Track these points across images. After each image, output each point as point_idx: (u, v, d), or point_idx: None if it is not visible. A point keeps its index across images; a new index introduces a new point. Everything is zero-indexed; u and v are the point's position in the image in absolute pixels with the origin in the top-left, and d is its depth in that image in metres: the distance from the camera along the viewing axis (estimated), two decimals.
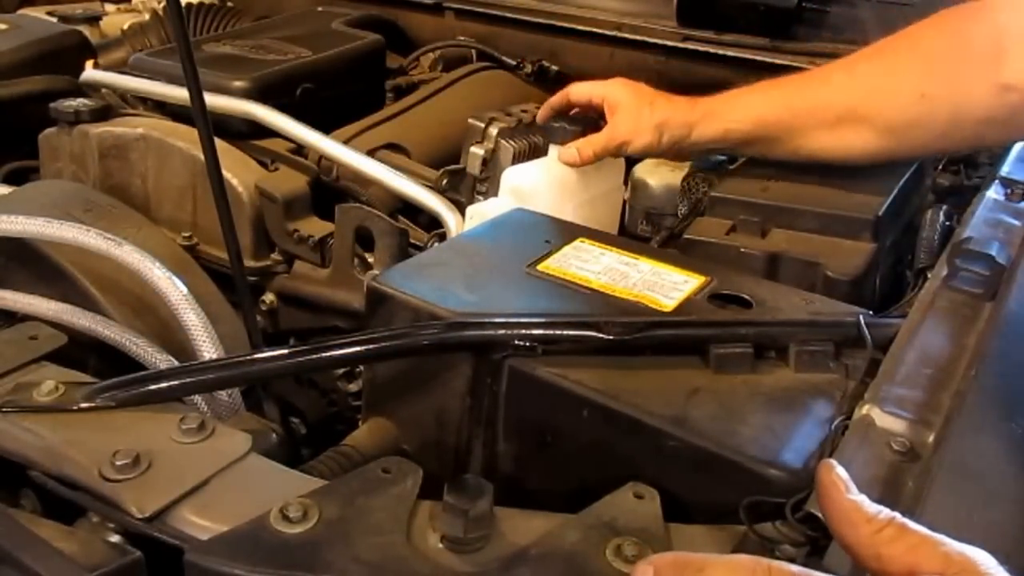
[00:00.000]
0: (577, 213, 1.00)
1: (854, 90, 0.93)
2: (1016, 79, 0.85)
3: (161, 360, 0.82)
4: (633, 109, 1.02)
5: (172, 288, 0.85)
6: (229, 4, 1.74)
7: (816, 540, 0.52)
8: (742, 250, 0.89)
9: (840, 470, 0.47)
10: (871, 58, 0.95)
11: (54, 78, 1.31)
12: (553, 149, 1.04)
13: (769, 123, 0.97)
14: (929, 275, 0.80)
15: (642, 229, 1.14)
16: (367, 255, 1.08)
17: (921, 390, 0.62)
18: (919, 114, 0.90)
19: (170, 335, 0.88)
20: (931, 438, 0.58)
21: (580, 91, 1.07)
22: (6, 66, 1.32)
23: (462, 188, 1.20)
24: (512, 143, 1.19)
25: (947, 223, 0.95)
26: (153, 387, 0.65)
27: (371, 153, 1.18)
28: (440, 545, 0.52)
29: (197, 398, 0.78)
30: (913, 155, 1.00)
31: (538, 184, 1.01)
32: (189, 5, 1.64)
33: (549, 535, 0.52)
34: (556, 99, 1.10)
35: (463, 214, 1.05)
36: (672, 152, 1.05)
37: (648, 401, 0.62)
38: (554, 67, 1.54)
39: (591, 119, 1.06)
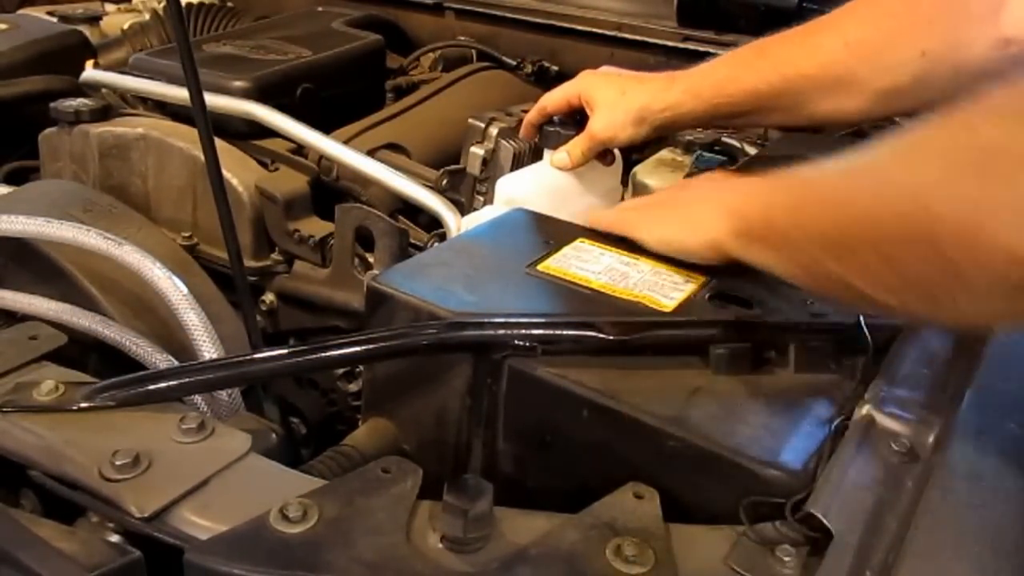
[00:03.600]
0: (575, 217, 1.00)
1: (850, 54, 0.91)
2: (1015, 32, 0.83)
3: (161, 360, 0.82)
4: (608, 103, 0.99)
5: (172, 288, 0.85)
6: (229, 4, 1.74)
7: (816, 540, 0.52)
8: None
9: None
10: (863, 19, 0.92)
11: (54, 78, 1.31)
12: (547, 154, 1.04)
13: (761, 94, 0.94)
14: None
15: None
16: (367, 255, 1.08)
17: (921, 390, 0.62)
18: (918, 72, 0.88)
19: (170, 335, 0.88)
20: (931, 438, 0.58)
21: (555, 98, 1.04)
22: (6, 66, 1.32)
23: (462, 188, 1.20)
24: (512, 143, 1.19)
25: None
26: (153, 387, 0.65)
27: (371, 153, 1.18)
28: (440, 545, 0.52)
29: (197, 398, 0.78)
30: (910, 112, 0.98)
31: (533, 191, 1.00)
32: (189, 5, 1.64)
33: (549, 535, 0.52)
34: (533, 115, 1.06)
35: (463, 214, 1.05)
36: (660, 134, 1.03)
37: (648, 401, 0.62)
38: (554, 67, 1.54)
39: (585, 120, 1.05)
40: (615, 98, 0.99)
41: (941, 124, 0.51)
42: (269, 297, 1.17)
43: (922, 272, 0.51)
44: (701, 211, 0.78)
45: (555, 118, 1.03)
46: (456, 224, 1.04)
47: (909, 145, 0.54)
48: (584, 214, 1.02)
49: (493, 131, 1.19)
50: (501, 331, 0.67)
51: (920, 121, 0.52)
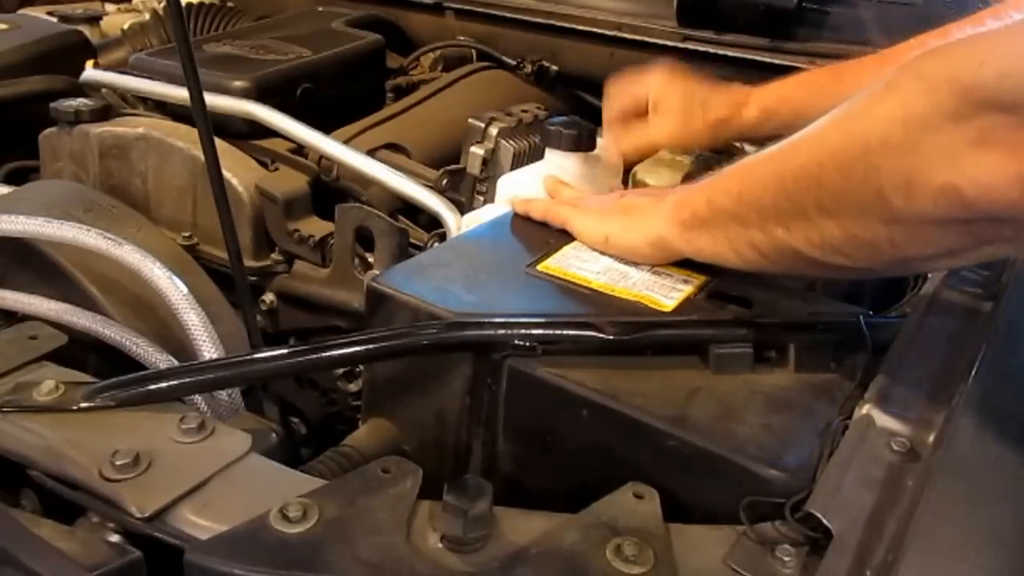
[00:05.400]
0: None
1: None
2: None
3: (161, 360, 0.82)
4: (686, 113, 0.99)
5: (172, 288, 0.85)
6: (229, 4, 1.74)
7: (816, 540, 0.52)
8: None
9: None
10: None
11: (54, 78, 1.31)
12: (549, 152, 1.04)
13: None
14: (929, 275, 0.80)
15: None
16: (367, 255, 1.08)
17: (921, 390, 0.62)
18: None
19: (170, 335, 0.88)
20: (931, 438, 0.58)
21: (624, 101, 1.02)
22: (6, 66, 1.32)
23: (462, 188, 1.20)
24: (512, 143, 1.19)
25: None
26: (153, 387, 0.65)
27: (371, 153, 1.18)
28: (440, 545, 0.52)
29: (197, 398, 0.78)
30: None
31: (533, 191, 1.00)
32: (189, 5, 1.64)
33: (549, 535, 0.52)
34: (615, 110, 1.04)
35: (463, 214, 1.05)
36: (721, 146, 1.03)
37: (648, 401, 0.62)
38: (554, 67, 1.54)
39: (588, 124, 1.05)
40: (692, 109, 0.99)
41: (871, 93, 0.56)
42: (269, 297, 1.17)
43: (863, 222, 0.56)
44: (644, 211, 0.80)
45: (556, 117, 1.04)
46: (456, 224, 1.04)
47: (843, 114, 0.58)
48: None
49: (493, 131, 1.19)
50: (501, 331, 0.67)
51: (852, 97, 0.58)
